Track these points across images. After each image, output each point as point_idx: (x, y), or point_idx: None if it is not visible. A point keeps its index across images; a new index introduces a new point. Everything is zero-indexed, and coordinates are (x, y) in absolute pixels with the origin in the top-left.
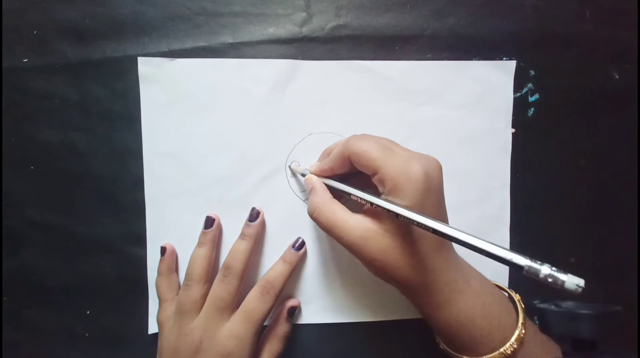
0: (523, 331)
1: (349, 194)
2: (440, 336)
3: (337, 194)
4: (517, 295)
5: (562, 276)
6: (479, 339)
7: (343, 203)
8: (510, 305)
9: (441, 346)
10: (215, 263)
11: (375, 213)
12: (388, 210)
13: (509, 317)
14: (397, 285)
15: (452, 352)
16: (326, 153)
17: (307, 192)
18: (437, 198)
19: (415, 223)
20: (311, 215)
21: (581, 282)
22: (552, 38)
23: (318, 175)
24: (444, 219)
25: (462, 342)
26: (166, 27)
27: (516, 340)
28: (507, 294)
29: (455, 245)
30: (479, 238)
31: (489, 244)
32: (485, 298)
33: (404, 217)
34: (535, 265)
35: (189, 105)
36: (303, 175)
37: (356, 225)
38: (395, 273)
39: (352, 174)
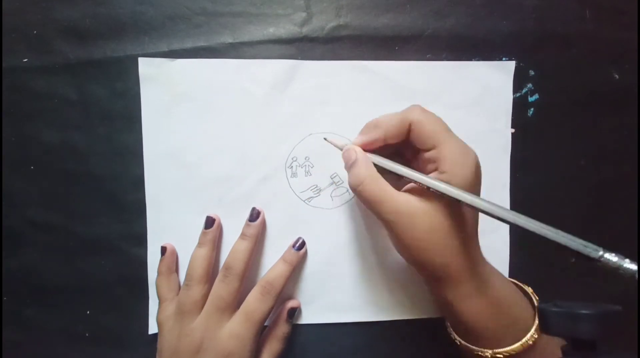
0: (535, 336)
1: (400, 170)
2: (460, 327)
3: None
4: (535, 296)
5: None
6: (504, 326)
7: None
8: (528, 302)
9: (452, 336)
10: (215, 263)
11: (422, 191)
12: (447, 190)
13: (527, 305)
14: (431, 270)
15: (467, 344)
16: (371, 126)
17: (345, 165)
18: (479, 188)
19: (479, 206)
20: (355, 188)
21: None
22: (552, 38)
23: (365, 148)
24: None
25: (483, 331)
26: (166, 27)
27: (536, 329)
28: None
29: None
30: (553, 228)
31: (565, 234)
32: (508, 286)
33: (464, 198)
34: (611, 256)
35: (189, 105)
36: (341, 149)
37: (404, 201)
38: (434, 257)
39: (389, 153)
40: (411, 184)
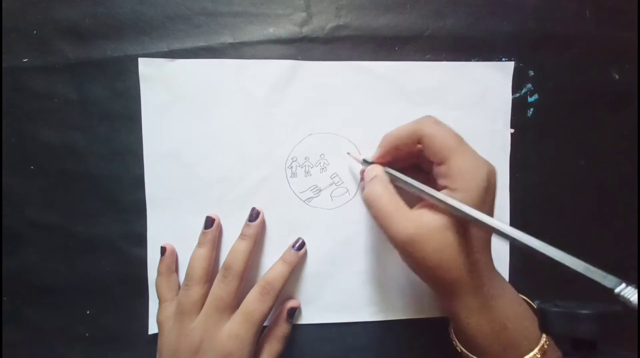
0: (547, 342)
1: (412, 187)
2: (464, 338)
3: (394, 186)
4: None
5: None
6: (508, 346)
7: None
8: (535, 318)
9: (458, 349)
10: (215, 263)
11: (433, 207)
12: (456, 209)
13: (535, 328)
14: (441, 285)
15: (469, 354)
16: (387, 138)
17: (365, 180)
18: (492, 204)
19: (487, 226)
20: (368, 199)
21: None
22: (552, 38)
23: (380, 161)
24: None
25: (486, 347)
26: (166, 27)
27: (540, 350)
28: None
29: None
30: (563, 252)
31: (575, 259)
32: (517, 307)
33: (473, 217)
34: (629, 289)
35: (189, 105)
36: (363, 163)
37: (413, 219)
38: (445, 273)
39: (404, 168)
40: (424, 200)
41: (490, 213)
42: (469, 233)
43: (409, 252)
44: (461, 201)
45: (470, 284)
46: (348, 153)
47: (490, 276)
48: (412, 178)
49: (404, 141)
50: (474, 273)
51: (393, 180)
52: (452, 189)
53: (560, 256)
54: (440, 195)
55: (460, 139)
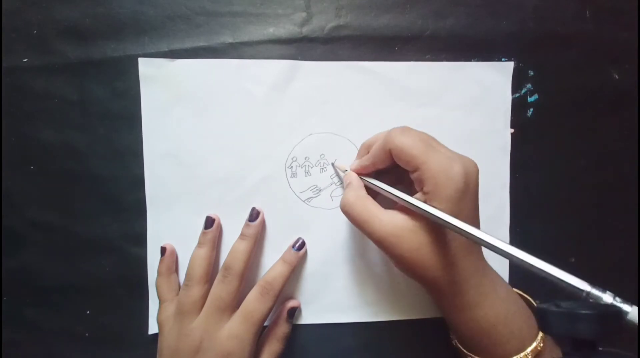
0: (541, 344)
1: (385, 192)
2: (457, 336)
3: (373, 191)
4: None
5: (626, 307)
6: (497, 344)
7: (379, 200)
8: (533, 317)
9: (454, 343)
10: (215, 263)
11: (408, 209)
12: (426, 212)
13: (530, 328)
14: (423, 283)
15: (465, 351)
16: (365, 147)
17: (344, 188)
18: (473, 201)
19: (455, 229)
20: (343, 209)
21: None
22: (552, 38)
23: (359, 172)
24: (476, 222)
25: (479, 345)
26: (166, 27)
27: (532, 351)
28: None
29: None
30: (522, 252)
31: (539, 261)
32: (509, 306)
33: (442, 221)
34: (597, 292)
35: (189, 105)
36: (345, 173)
37: (388, 221)
38: (423, 272)
39: (387, 168)
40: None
41: (473, 212)
42: (445, 235)
43: (387, 250)
44: (434, 204)
45: (454, 280)
46: (333, 164)
47: (475, 275)
48: (393, 175)
49: (380, 157)
50: (452, 273)
51: (370, 186)
52: (425, 193)
53: (523, 256)
54: (410, 198)
55: (429, 144)
